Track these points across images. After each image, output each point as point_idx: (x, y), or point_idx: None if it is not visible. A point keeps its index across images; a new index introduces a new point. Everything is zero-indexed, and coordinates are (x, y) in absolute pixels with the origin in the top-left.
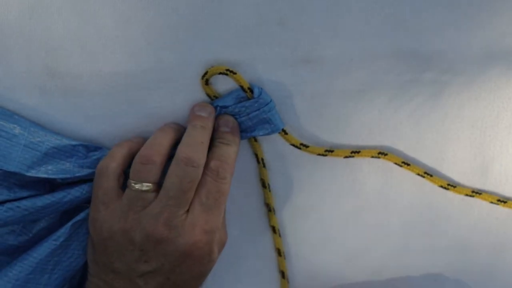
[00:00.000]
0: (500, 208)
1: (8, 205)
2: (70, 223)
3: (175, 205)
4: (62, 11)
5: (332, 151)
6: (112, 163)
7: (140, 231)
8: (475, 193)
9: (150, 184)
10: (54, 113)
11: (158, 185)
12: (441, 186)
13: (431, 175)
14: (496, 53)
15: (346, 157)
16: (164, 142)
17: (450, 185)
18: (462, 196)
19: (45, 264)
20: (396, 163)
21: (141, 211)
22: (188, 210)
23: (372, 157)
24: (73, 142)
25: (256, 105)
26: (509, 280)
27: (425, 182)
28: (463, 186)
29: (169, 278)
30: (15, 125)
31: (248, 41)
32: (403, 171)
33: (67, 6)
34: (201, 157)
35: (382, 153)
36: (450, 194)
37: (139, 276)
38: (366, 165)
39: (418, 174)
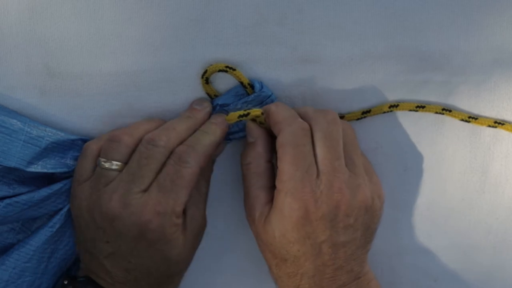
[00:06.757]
0: (500, 208)
1: (7, 201)
2: (65, 209)
3: (130, 181)
4: (62, 11)
5: (342, 117)
6: (93, 145)
7: (99, 208)
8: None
9: (119, 163)
10: (54, 113)
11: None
12: (462, 120)
13: (450, 111)
14: (499, 55)
15: (358, 119)
16: (140, 126)
17: (471, 117)
18: (462, 196)
19: (42, 252)
20: (410, 110)
21: (103, 188)
22: (146, 190)
23: (384, 112)
24: (72, 137)
25: (258, 99)
26: (509, 280)
27: (425, 182)
28: (485, 118)
29: (130, 262)
30: (15, 121)
31: (248, 41)
32: (404, 172)
33: (67, 6)
34: (163, 139)
35: (393, 106)
36: (449, 194)
37: (105, 257)
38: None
39: (437, 112)
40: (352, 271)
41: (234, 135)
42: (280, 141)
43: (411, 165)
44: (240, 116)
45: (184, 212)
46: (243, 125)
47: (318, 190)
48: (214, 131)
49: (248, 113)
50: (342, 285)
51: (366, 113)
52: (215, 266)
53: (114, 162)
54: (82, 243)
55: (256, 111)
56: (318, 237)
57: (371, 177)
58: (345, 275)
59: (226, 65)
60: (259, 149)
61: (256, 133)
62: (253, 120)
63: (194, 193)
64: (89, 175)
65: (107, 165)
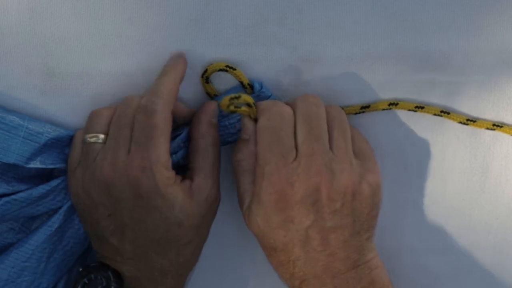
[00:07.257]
0: (500, 208)
1: (6, 198)
2: (64, 208)
3: (115, 145)
4: (62, 11)
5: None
6: (79, 133)
7: (93, 182)
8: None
9: (103, 135)
10: (54, 113)
11: None
12: (461, 122)
13: (448, 113)
14: (499, 55)
15: (357, 113)
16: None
17: (470, 120)
18: (462, 196)
19: (41, 252)
20: (409, 110)
21: (93, 162)
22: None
23: (383, 109)
24: (71, 133)
25: (257, 99)
26: (509, 280)
27: (425, 181)
28: (483, 121)
29: (134, 229)
30: (14, 117)
31: (248, 41)
32: (404, 172)
33: (67, 6)
34: (137, 96)
35: (392, 104)
36: (449, 194)
37: (111, 234)
38: None
39: (435, 114)
40: (348, 259)
41: (234, 136)
42: (258, 125)
43: (411, 164)
44: (232, 98)
45: (193, 179)
46: (240, 127)
47: (295, 173)
48: (172, 68)
49: (240, 96)
50: (338, 272)
51: (365, 108)
52: (215, 266)
53: (100, 136)
54: (89, 229)
55: (247, 97)
56: (302, 221)
57: (365, 162)
58: (339, 262)
59: (227, 64)
60: (252, 148)
61: (250, 131)
62: (249, 116)
63: (200, 160)
64: (79, 161)
65: (93, 139)
